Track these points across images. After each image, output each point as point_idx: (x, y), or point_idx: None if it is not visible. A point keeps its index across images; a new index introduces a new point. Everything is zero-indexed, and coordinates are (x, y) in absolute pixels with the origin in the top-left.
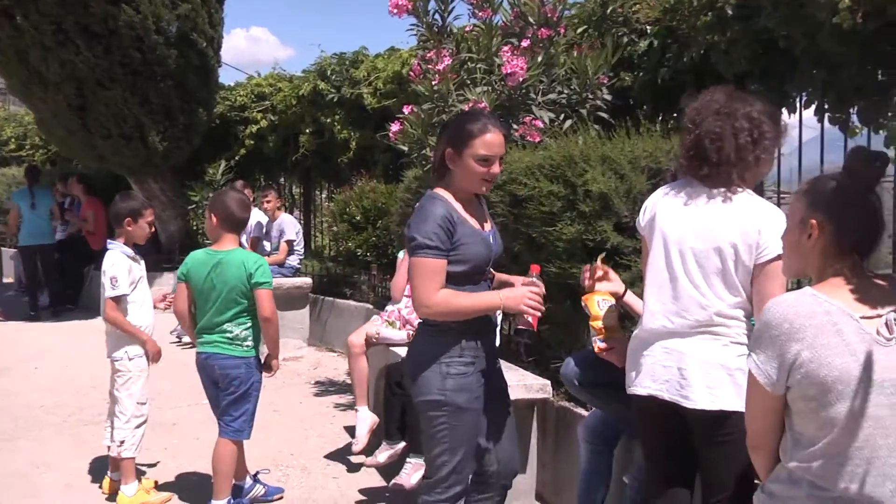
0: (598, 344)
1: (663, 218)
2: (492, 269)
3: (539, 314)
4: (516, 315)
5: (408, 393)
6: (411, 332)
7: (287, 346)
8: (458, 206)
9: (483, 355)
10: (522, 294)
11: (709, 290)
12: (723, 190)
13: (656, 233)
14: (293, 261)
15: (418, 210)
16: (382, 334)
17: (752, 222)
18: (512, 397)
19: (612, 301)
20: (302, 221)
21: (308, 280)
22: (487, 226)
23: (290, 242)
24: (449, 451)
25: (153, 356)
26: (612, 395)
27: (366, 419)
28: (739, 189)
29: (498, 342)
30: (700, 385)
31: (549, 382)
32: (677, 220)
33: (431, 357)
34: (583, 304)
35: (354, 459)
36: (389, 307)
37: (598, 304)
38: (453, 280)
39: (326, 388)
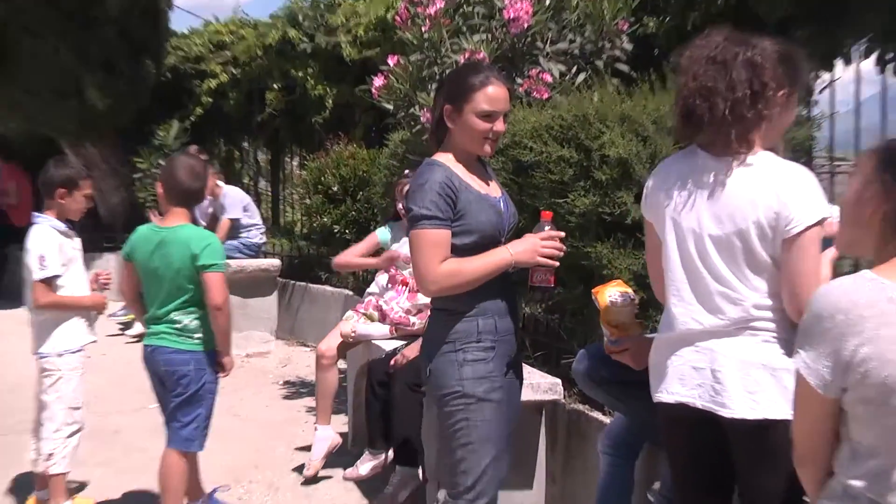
0: (609, 344)
1: (670, 201)
2: None
3: (557, 264)
4: (531, 272)
5: (391, 394)
6: (393, 327)
7: (251, 340)
8: (459, 171)
9: (503, 339)
10: (535, 244)
11: (739, 282)
12: (730, 158)
13: (666, 220)
14: (255, 237)
15: (415, 179)
16: (359, 331)
17: (775, 191)
18: None
19: (629, 292)
20: (269, 193)
21: (276, 262)
22: (496, 191)
23: (233, 220)
24: (471, 452)
25: (100, 307)
26: (631, 394)
27: (325, 439)
28: (750, 153)
29: None
30: (738, 389)
31: (559, 381)
32: (686, 202)
33: (445, 344)
34: (593, 296)
35: (330, 473)
36: (366, 296)
37: (610, 296)
38: (463, 255)
39: (297, 388)
